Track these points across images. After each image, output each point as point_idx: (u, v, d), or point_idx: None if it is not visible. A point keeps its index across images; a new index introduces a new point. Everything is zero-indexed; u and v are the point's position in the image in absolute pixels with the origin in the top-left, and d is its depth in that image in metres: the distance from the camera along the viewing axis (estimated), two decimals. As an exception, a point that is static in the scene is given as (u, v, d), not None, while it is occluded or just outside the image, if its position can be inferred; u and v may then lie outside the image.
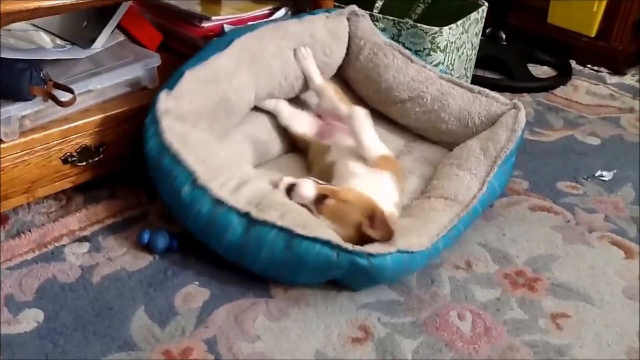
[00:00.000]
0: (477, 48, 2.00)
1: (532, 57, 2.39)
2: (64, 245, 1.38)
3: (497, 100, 1.62)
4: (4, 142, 1.32)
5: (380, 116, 1.76)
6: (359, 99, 1.76)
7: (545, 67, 2.37)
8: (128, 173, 1.54)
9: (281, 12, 1.80)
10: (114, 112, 1.46)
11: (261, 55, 1.55)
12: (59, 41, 1.53)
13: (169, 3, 1.77)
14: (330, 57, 1.68)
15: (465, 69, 1.98)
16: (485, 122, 1.61)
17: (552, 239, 1.50)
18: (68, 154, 1.42)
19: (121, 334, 1.19)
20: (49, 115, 1.40)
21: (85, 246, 1.39)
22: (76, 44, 1.52)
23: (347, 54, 1.73)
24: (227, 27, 1.71)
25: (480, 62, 2.14)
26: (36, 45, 1.50)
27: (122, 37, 1.60)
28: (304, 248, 1.23)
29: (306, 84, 1.64)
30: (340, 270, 1.25)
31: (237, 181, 1.36)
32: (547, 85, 2.25)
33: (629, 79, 2.34)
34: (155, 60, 1.55)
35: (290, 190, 1.33)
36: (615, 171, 1.77)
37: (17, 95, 1.33)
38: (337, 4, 1.82)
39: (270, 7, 1.81)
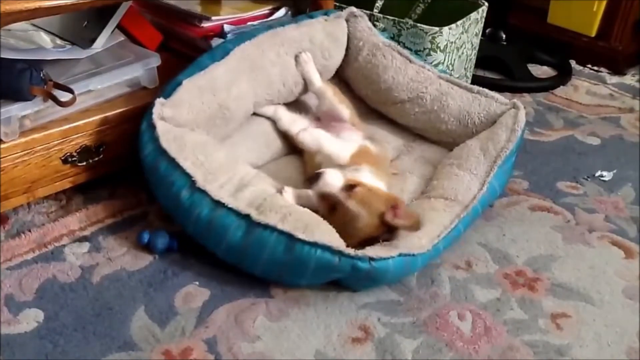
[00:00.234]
0: (477, 48, 2.00)
1: (532, 57, 2.39)
2: (64, 245, 1.38)
3: (496, 100, 1.62)
4: (4, 142, 1.32)
5: (380, 116, 1.76)
6: (358, 99, 1.76)
7: (545, 67, 2.37)
8: (128, 173, 1.53)
9: (281, 12, 1.80)
10: (114, 112, 1.46)
11: (261, 63, 1.55)
12: (59, 41, 1.53)
13: (169, 3, 1.77)
14: (329, 60, 1.68)
15: (465, 69, 1.98)
16: (484, 122, 1.61)
17: (552, 239, 1.50)
18: (68, 154, 1.42)
19: (121, 334, 1.19)
20: (49, 115, 1.40)
21: (85, 246, 1.39)
22: (76, 44, 1.52)
23: (346, 55, 1.73)
24: (227, 27, 1.71)
25: (480, 62, 2.14)
26: (36, 45, 1.50)
27: (122, 37, 1.60)
28: (305, 253, 1.23)
29: (305, 89, 1.64)
30: (342, 273, 1.26)
31: (237, 182, 1.36)
32: (547, 85, 2.25)
33: (629, 79, 2.34)
34: (155, 60, 1.55)
35: (315, 179, 1.34)
36: (615, 171, 1.77)
37: (17, 95, 1.33)
38: (337, 5, 1.82)
39: (270, 7, 1.81)
